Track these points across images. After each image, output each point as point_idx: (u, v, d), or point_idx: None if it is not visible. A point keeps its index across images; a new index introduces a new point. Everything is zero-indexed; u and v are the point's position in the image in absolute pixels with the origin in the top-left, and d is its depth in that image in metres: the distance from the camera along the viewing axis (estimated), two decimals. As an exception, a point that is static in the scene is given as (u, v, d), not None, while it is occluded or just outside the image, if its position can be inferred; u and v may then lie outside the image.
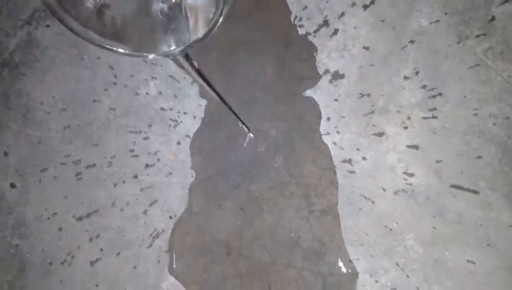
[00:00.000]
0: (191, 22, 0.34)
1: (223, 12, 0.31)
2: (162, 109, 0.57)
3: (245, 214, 0.53)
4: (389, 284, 0.48)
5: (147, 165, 0.56)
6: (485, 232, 0.47)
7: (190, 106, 0.57)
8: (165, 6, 0.33)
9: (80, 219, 0.56)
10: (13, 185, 0.59)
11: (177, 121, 0.57)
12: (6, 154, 0.60)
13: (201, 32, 0.33)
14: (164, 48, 0.35)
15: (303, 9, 0.57)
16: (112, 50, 0.34)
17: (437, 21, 0.53)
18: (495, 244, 0.47)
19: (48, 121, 0.61)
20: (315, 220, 0.50)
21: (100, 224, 0.55)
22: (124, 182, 0.56)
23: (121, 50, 0.34)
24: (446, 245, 0.47)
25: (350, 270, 0.48)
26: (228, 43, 0.58)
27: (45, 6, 0.30)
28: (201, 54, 0.57)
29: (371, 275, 0.49)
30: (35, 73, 0.65)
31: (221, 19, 0.32)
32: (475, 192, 0.48)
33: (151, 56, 0.35)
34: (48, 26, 0.66)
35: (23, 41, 0.68)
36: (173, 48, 0.35)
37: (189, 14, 0.34)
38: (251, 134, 0.50)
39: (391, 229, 0.48)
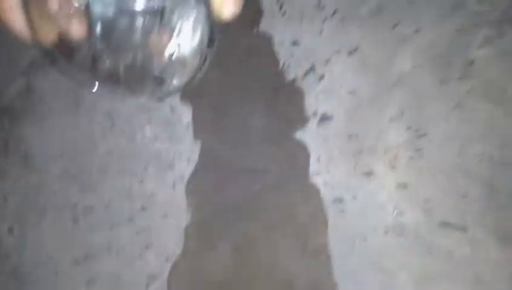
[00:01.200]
0: (177, 70, 0.35)
1: (206, 61, 0.32)
2: (158, 152, 0.57)
3: (240, 255, 0.52)
4: (384, 323, 0.47)
5: (143, 208, 0.56)
6: (474, 268, 0.47)
7: (185, 149, 0.57)
8: (155, 54, 0.34)
9: (76, 263, 0.55)
10: (10, 230, 0.58)
11: (172, 163, 0.57)
12: (5, 199, 0.60)
13: (185, 79, 0.34)
14: (152, 93, 0.36)
15: (291, 56, 0.58)
16: (104, 93, 0.35)
17: (420, 64, 0.55)
18: (485, 280, 0.46)
19: (46, 166, 0.61)
20: (309, 261, 0.50)
21: (96, 268, 0.55)
22: (120, 225, 0.55)
23: (112, 93, 0.35)
24: (437, 282, 0.47)
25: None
26: (221, 89, 0.59)
27: (40, 51, 0.31)
28: (196, 98, 0.58)
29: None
30: (34, 120, 0.65)
31: (204, 67, 0.33)
32: (464, 229, 0.48)
33: (140, 99, 0.36)
34: (46, 74, 0.66)
35: (22, 90, 0.68)
36: (159, 93, 0.36)
37: (175, 63, 0.35)
38: None
39: (383, 268, 0.47)
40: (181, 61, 0.33)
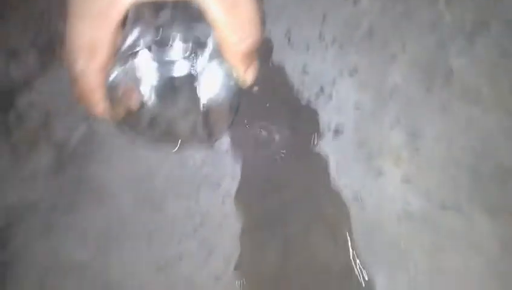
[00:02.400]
0: (218, 120, 0.41)
1: (238, 107, 0.38)
2: (206, 175, 0.68)
3: (284, 252, 0.63)
4: (405, 288, 0.57)
5: (202, 222, 0.66)
6: (471, 239, 0.57)
7: (228, 170, 0.68)
8: (195, 112, 0.41)
9: (156, 272, 0.67)
10: (96, 253, 0.69)
11: (219, 183, 0.67)
12: (88, 228, 0.70)
13: (225, 126, 0.40)
14: (200, 143, 0.43)
15: (302, 82, 0.67)
16: (158, 147, 0.43)
17: (408, 77, 0.64)
18: (481, 247, 0.57)
19: (117, 196, 0.72)
20: (340, 250, 0.60)
21: (173, 274, 0.66)
22: (186, 238, 0.66)
23: (166, 146, 0.42)
24: (443, 253, 0.58)
25: (368, 280, 0.58)
26: (251, 115, 0.69)
27: (116, 125, 0.39)
28: (231, 127, 0.67)
29: (388, 280, 0.58)
30: (100, 158, 0.75)
31: (237, 113, 0.39)
32: (459, 209, 0.58)
33: (192, 149, 0.42)
34: (103, 119, 0.75)
35: (85, 134, 0.78)
36: (207, 142, 0.43)
37: (215, 114, 0.41)
38: None
39: (400, 247, 0.58)
40: (219, 111, 0.41)
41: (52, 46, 0.85)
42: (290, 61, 0.72)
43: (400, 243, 0.62)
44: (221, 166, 0.71)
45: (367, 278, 0.62)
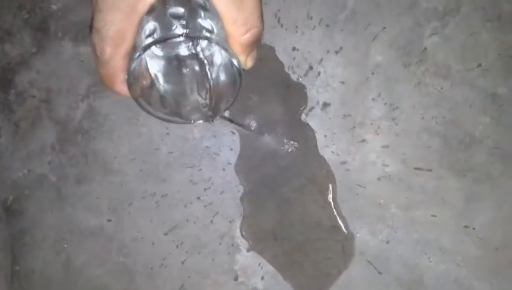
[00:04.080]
0: (221, 97, 0.46)
1: (240, 86, 0.38)
2: (206, 147, 0.75)
3: (281, 210, 0.71)
4: (384, 238, 0.67)
5: (205, 189, 0.74)
6: (441, 194, 0.67)
7: (227, 141, 0.74)
8: (200, 92, 0.46)
9: (166, 234, 0.74)
10: (109, 220, 0.77)
11: (219, 153, 0.74)
12: (98, 198, 0.77)
13: (228, 103, 0.46)
14: (206, 118, 0.48)
15: (293, 59, 0.74)
16: (170, 121, 0.48)
17: (388, 55, 0.71)
18: (448, 201, 0.67)
19: (123, 169, 0.78)
20: (329, 208, 0.69)
21: (181, 235, 0.74)
22: (191, 203, 0.74)
23: (176, 121, 0.48)
24: (416, 209, 0.67)
25: (352, 232, 0.68)
26: (246, 91, 0.75)
27: (136, 102, 0.45)
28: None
29: (370, 231, 0.68)
30: (103, 134, 0.80)
31: (239, 91, 0.44)
32: (430, 170, 0.68)
33: (196, 122, 0.49)
34: (103, 97, 0.81)
35: (86, 112, 0.83)
36: (212, 117, 0.48)
37: (219, 92, 0.46)
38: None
39: (379, 203, 0.68)
40: (223, 90, 0.46)
41: (46, 26, 0.89)
42: (280, 40, 0.78)
43: (380, 200, 0.72)
44: (220, 138, 0.78)
45: (352, 231, 0.72)
